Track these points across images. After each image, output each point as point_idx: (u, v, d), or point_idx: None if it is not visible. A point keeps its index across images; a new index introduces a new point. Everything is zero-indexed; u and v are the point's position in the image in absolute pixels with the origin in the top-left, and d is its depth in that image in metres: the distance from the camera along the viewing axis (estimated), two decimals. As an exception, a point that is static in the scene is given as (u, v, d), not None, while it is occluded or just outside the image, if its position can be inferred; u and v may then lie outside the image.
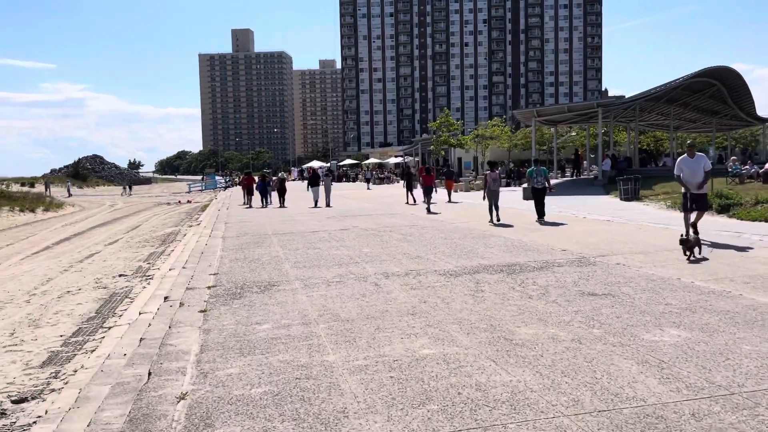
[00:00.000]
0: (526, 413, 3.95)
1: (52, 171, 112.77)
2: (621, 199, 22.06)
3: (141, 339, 6.24)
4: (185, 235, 18.44)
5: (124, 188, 69.79)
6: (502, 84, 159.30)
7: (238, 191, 41.06)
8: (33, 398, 5.15)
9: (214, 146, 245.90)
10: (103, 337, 6.85)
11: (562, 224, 15.33)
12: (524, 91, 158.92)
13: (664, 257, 9.64)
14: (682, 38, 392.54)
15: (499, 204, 16.81)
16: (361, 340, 5.75)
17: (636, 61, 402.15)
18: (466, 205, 23.86)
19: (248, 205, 28.56)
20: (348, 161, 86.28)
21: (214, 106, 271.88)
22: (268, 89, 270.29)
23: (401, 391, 4.43)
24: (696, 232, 11.06)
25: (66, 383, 5.39)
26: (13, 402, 5.08)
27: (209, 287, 8.77)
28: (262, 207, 27.34)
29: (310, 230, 16.08)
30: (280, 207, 26.47)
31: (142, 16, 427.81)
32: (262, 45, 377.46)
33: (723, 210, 15.87)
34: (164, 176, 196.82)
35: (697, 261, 9.16)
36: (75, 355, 6.41)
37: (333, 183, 30.88)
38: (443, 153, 53.17)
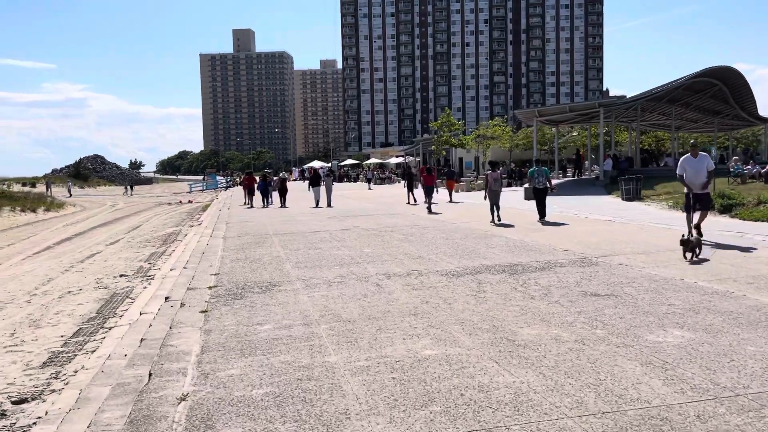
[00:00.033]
0: (530, 415, 3.92)
1: (53, 171, 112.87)
2: (622, 199, 22.02)
3: (142, 339, 6.21)
4: (186, 235, 18.42)
5: (126, 188, 69.87)
6: (503, 84, 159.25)
7: (239, 191, 41.04)
8: (33, 399, 5.12)
9: (215, 146, 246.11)
10: (104, 338, 6.83)
11: (563, 224, 15.29)
12: (525, 91, 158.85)
13: (666, 257, 9.60)
14: (683, 38, 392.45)
15: (501, 204, 16.78)
16: (363, 341, 5.72)
17: (637, 61, 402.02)
18: (467, 205, 23.83)
19: (249, 205, 28.54)
20: (349, 161, 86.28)
21: (215, 106, 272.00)
22: (269, 89, 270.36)
23: (403, 392, 4.40)
24: (699, 234, 11.01)
25: (66, 384, 5.36)
26: (13, 403, 5.05)
27: (210, 287, 8.74)
28: (263, 207, 27.31)
29: (311, 230, 16.05)
30: (281, 207, 26.44)
31: (142, 16, 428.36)
32: (263, 45, 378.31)
33: (725, 210, 15.83)
34: (165, 176, 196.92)
35: (699, 262, 9.11)
36: (75, 355, 6.39)
37: (334, 183, 30.85)
38: (444, 153, 53.14)
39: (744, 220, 14.65)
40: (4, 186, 57.18)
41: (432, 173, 23.10)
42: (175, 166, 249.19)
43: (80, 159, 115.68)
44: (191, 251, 13.17)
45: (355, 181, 63.46)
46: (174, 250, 14.65)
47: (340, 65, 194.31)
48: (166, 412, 4.27)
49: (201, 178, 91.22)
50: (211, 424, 4.02)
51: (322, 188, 26.61)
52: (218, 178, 74.60)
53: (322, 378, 4.77)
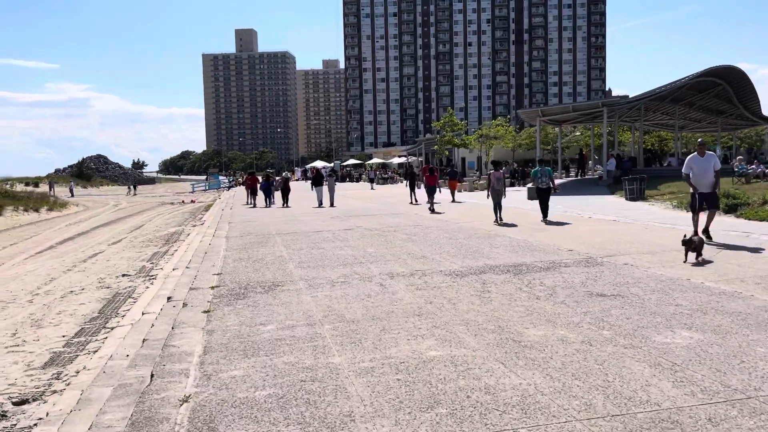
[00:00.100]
0: (538, 418, 3.85)
1: (57, 171, 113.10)
2: (626, 199, 21.93)
3: (144, 340, 6.16)
4: (189, 234, 18.38)
5: (129, 188, 69.98)
6: (505, 84, 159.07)
7: (241, 191, 41.03)
8: (34, 400, 5.07)
9: (218, 146, 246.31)
10: (106, 338, 6.78)
11: (567, 224, 15.21)
12: (528, 90, 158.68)
13: (672, 257, 9.52)
14: (685, 38, 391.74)
15: (504, 204, 16.70)
16: (367, 342, 5.66)
17: (639, 60, 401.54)
18: (470, 205, 23.76)
19: (252, 205, 28.51)
20: (351, 161, 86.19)
21: (218, 106, 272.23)
22: (271, 89, 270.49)
23: (408, 394, 4.34)
24: (708, 237, 10.92)
25: (68, 384, 5.31)
26: (14, 404, 5.00)
27: (213, 287, 8.69)
28: (266, 207, 27.28)
29: (313, 230, 16.00)
30: (284, 207, 26.39)
31: (145, 17, 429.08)
32: (265, 45, 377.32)
33: (730, 210, 15.73)
34: (168, 176, 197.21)
35: (701, 263, 8.93)
36: (77, 355, 6.34)
37: (336, 183, 30.81)
38: (447, 153, 53.10)
39: (749, 219, 14.56)
40: (8, 186, 57.23)
41: (434, 173, 23.03)
42: (177, 166, 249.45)
43: (83, 159, 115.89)
44: (194, 251, 13.13)
45: (357, 181, 63.43)
46: (176, 250, 14.61)
47: (342, 65, 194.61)
48: (168, 413, 4.21)
49: (203, 178, 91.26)
50: (214, 426, 3.96)
51: (325, 188, 26.56)
52: (221, 178, 74.61)
53: (326, 379, 4.71)
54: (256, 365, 5.12)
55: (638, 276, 8.22)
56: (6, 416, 4.73)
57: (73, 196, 59.23)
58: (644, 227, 14.00)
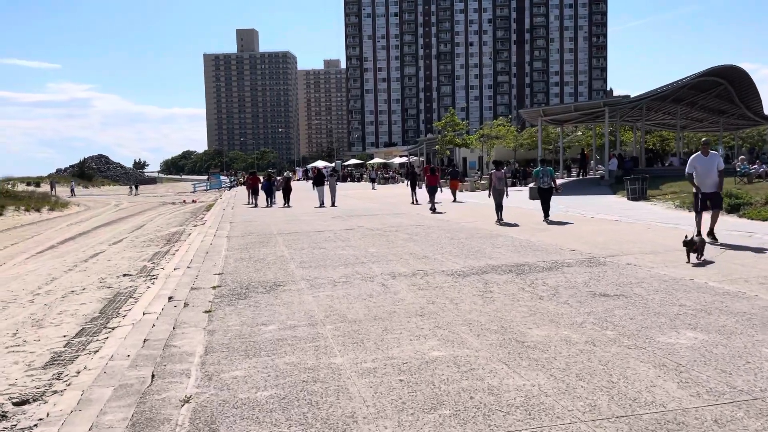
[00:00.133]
0: (542, 419, 3.82)
1: (58, 171, 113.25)
2: (628, 198, 21.88)
3: (145, 340, 6.13)
4: (190, 234, 18.36)
5: (131, 188, 70.04)
6: (506, 84, 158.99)
7: (242, 191, 41.03)
8: (34, 400, 5.04)
9: (219, 146, 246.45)
10: (107, 338, 6.75)
11: (569, 224, 15.17)
12: (529, 90, 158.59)
13: (675, 257, 9.47)
14: (687, 38, 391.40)
15: (505, 204, 16.66)
16: (369, 342, 5.62)
17: (640, 60, 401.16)
18: (472, 204, 23.72)
19: (253, 205, 28.49)
20: (353, 161, 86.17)
21: (219, 106, 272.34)
22: (272, 89, 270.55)
23: (411, 395, 4.30)
24: (714, 238, 10.86)
25: (68, 385, 5.28)
26: (15, 404, 4.97)
27: (214, 287, 8.66)
28: (267, 207, 27.25)
29: (315, 230, 15.97)
30: (285, 207, 26.37)
31: (146, 17, 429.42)
32: (266, 45, 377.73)
33: (733, 210, 15.68)
34: (169, 176, 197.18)
35: (702, 264, 8.87)
36: (78, 356, 6.31)
37: (338, 183, 30.78)
38: (448, 153, 53.03)
39: (752, 219, 14.51)
40: (9, 186, 57.30)
41: (435, 173, 23.00)
42: (179, 165, 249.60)
43: (84, 159, 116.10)
44: (195, 251, 13.10)
45: (358, 181, 63.40)
46: (178, 250, 14.58)
47: (343, 65, 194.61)
48: (169, 414, 4.18)
49: (205, 177, 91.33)
50: (215, 427, 3.93)
51: (326, 188, 26.54)
52: (222, 177, 74.66)
53: (328, 380, 4.67)
54: (257, 366, 5.08)
55: (641, 276, 8.18)
56: (6, 416, 4.70)
57: (74, 195, 59.25)
58: (647, 227, 13.96)
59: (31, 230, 25.70)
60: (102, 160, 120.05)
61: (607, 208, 19.39)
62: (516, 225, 15.25)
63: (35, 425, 4.41)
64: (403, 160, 67.61)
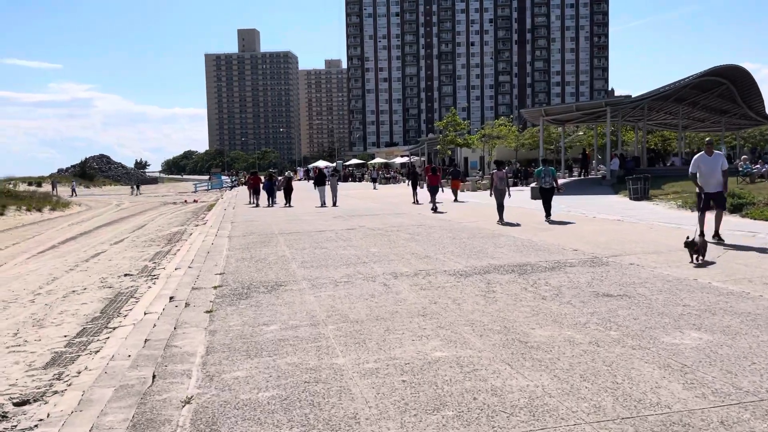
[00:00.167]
0: (546, 420, 3.78)
1: (59, 171, 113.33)
2: (630, 198, 21.83)
3: (146, 340, 6.10)
4: (191, 234, 18.34)
5: (133, 188, 70.06)
6: (508, 84, 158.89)
7: (244, 191, 41.01)
8: (35, 401, 5.02)
9: (220, 146, 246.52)
10: (108, 338, 6.72)
11: (571, 223, 15.13)
12: (530, 90, 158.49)
13: (678, 257, 9.43)
14: (688, 38, 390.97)
15: (507, 204, 16.63)
16: (371, 342, 5.59)
17: (642, 60, 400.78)
18: (473, 204, 23.68)
19: (254, 205, 28.47)
20: (354, 161, 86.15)
21: (220, 106, 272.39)
22: (273, 89, 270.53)
23: (414, 395, 4.27)
24: (720, 239, 10.81)
25: (69, 385, 5.25)
26: (15, 404, 4.95)
27: (215, 287, 8.63)
28: (269, 206, 27.23)
29: (316, 230, 15.94)
30: (287, 206, 26.35)
31: (148, 17, 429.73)
32: (267, 45, 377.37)
33: (736, 210, 15.62)
34: (170, 176, 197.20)
35: (704, 265, 8.80)
36: (79, 356, 6.28)
37: (339, 183, 30.75)
38: (450, 153, 52.96)
39: (755, 219, 14.46)
40: (10, 185, 57.33)
41: (437, 173, 22.97)
42: (180, 165, 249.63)
43: (86, 159, 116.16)
44: (196, 250, 13.08)
45: (360, 180, 63.37)
46: (179, 250, 14.56)
47: (345, 65, 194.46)
48: (170, 415, 4.15)
49: (206, 177, 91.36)
50: (216, 428, 3.90)
51: (327, 188, 26.50)
52: (223, 177, 74.66)
53: (330, 380, 4.64)
54: (259, 366, 5.05)
55: (644, 276, 8.14)
56: (7, 417, 4.67)
57: (75, 195, 59.26)
58: (649, 227, 13.92)
59: (33, 230, 25.70)
60: (103, 160, 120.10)
61: (608, 207, 19.34)
62: (518, 225, 15.22)
63: (35, 426, 4.38)
64: (405, 160, 67.58)
